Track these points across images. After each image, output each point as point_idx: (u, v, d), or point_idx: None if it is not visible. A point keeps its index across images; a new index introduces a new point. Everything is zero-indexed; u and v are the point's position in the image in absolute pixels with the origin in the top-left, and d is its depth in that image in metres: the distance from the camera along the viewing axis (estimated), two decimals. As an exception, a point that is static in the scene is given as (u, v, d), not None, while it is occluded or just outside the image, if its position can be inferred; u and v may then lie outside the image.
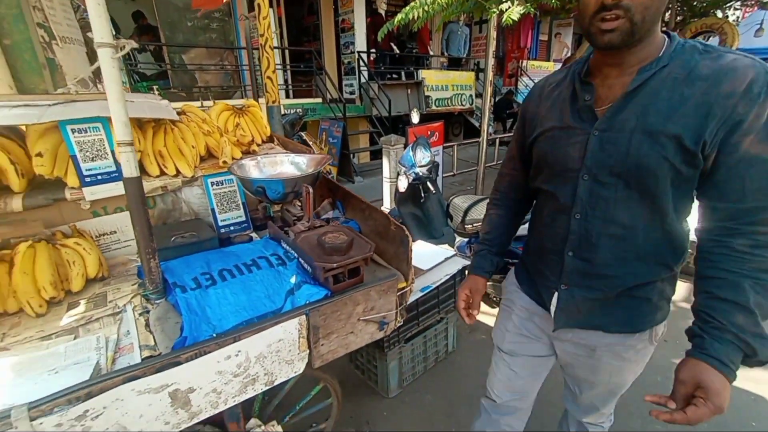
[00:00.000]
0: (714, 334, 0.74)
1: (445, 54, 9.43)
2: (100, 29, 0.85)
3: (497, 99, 9.76)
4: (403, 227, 1.17)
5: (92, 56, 1.84)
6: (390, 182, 4.44)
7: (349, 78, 8.02)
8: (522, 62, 10.92)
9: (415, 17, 3.74)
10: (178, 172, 1.33)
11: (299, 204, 1.38)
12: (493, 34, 3.89)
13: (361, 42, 7.60)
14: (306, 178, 1.21)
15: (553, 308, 1.01)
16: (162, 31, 6.41)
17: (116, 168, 1.20)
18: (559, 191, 0.93)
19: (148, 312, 0.99)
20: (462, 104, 9.56)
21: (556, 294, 0.99)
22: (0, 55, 1.46)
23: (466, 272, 1.34)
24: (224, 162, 1.41)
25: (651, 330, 0.96)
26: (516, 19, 3.25)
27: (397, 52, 8.16)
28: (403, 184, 3.07)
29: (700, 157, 0.75)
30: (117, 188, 1.21)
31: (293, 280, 1.05)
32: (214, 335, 0.89)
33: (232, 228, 1.41)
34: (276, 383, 0.98)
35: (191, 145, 1.41)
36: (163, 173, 1.31)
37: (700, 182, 0.79)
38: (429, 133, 4.45)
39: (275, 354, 0.94)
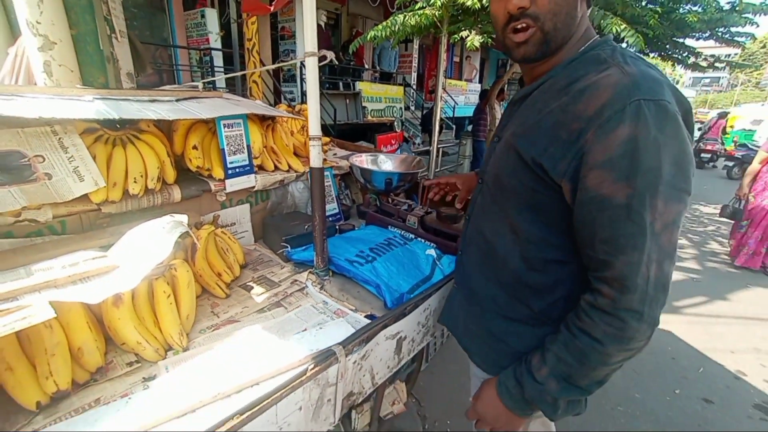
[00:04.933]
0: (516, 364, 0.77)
1: (377, 68, 9.99)
2: (312, 41, 1.01)
3: (424, 112, 10.64)
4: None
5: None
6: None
7: (289, 85, 7.98)
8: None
9: (384, 36, 4.11)
10: (290, 168, 1.44)
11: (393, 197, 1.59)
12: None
13: (301, 51, 7.66)
14: (415, 174, 1.45)
15: None
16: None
17: (248, 162, 1.28)
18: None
19: (322, 286, 1.12)
20: (393, 116, 10.19)
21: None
22: (69, 47, 1.39)
23: None
24: (323, 160, 1.55)
25: None
26: (477, 46, 3.85)
27: (337, 63, 8.40)
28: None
29: (548, 182, 0.66)
30: (248, 181, 1.29)
31: (432, 252, 1.29)
32: (399, 296, 1.09)
33: (330, 219, 1.55)
34: (435, 335, 1.21)
35: (285, 144, 1.52)
36: (276, 168, 1.41)
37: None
38: (392, 141, 4.83)
39: (439, 308, 1.17)
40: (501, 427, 0.80)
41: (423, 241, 1.38)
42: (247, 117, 1.25)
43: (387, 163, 1.57)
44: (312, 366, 0.75)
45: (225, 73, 6.10)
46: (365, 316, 1.00)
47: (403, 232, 1.44)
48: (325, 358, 0.77)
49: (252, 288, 1.09)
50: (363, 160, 1.51)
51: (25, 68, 1.36)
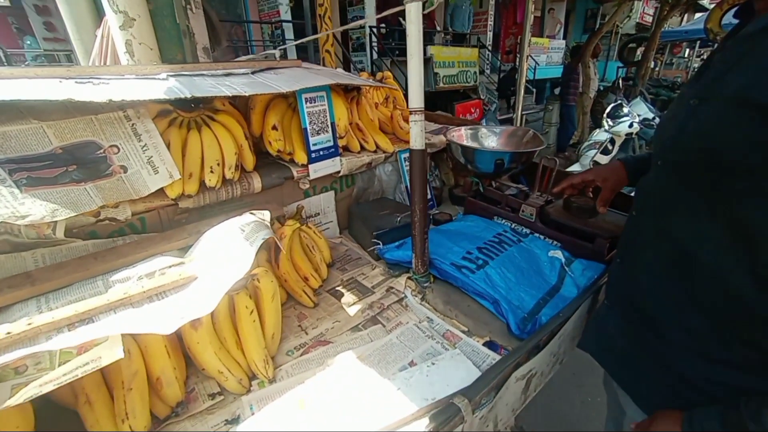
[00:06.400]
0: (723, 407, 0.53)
1: (450, 29, 9.26)
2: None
3: (501, 76, 9.71)
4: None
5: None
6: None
7: (358, 54, 7.75)
8: (519, 38, 10.88)
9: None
10: (377, 147, 1.23)
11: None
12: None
13: (371, 17, 7.32)
14: (532, 154, 1.15)
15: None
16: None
17: (333, 142, 1.09)
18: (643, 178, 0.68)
19: (423, 296, 0.92)
20: (467, 81, 9.40)
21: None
22: (148, 23, 1.29)
23: None
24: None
25: None
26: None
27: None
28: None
29: None
30: (333, 165, 1.11)
31: (557, 254, 1.01)
32: (526, 316, 0.85)
33: (421, 206, 1.33)
34: (563, 361, 0.95)
35: (370, 119, 1.31)
36: (363, 149, 1.21)
37: None
38: (472, 109, 4.41)
39: (573, 332, 0.91)
40: None
41: (542, 237, 1.10)
42: (330, 89, 1.05)
43: (491, 139, 1.28)
44: (431, 426, 0.56)
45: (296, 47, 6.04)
46: (483, 344, 0.78)
47: (513, 224, 1.17)
48: (447, 418, 0.57)
49: (342, 295, 0.93)
50: (462, 135, 1.24)
51: (111, 49, 1.31)
